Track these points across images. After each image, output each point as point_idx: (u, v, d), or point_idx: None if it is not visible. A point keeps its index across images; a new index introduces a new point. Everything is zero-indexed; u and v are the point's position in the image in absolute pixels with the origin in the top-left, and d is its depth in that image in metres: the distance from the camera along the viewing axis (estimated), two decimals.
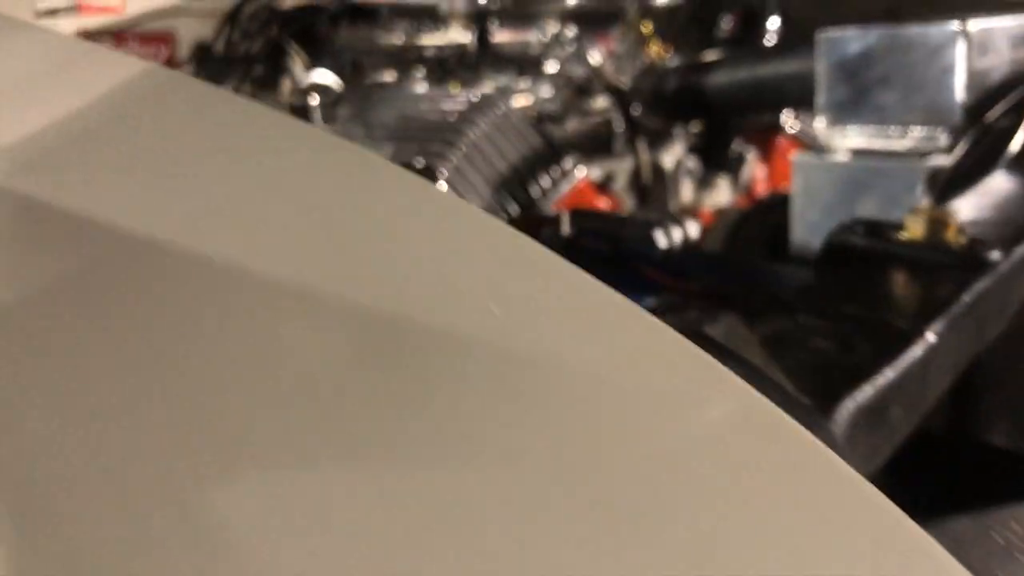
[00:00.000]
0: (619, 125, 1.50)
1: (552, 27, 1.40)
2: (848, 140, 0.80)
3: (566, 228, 1.10)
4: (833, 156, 0.80)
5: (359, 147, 0.56)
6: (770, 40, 1.47)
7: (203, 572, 0.27)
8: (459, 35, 1.45)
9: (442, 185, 1.22)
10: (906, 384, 0.58)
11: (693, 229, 0.97)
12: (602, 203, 1.40)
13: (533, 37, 1.40)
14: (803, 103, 0.98)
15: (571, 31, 1.45)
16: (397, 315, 0.37)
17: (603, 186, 1.43)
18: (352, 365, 0.35)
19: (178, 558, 0.27)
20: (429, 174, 1.23)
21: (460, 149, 1.26)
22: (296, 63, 2.03)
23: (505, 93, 1.50)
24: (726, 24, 1.51)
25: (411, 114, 1.37)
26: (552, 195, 1.31)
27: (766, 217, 1.38)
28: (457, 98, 1.38)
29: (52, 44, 0.71)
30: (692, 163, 1.49)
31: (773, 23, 1.47)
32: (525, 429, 0.32)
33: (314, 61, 1.98)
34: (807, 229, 0.83)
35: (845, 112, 0.79)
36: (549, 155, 1.32)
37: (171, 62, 1.85)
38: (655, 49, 1.64)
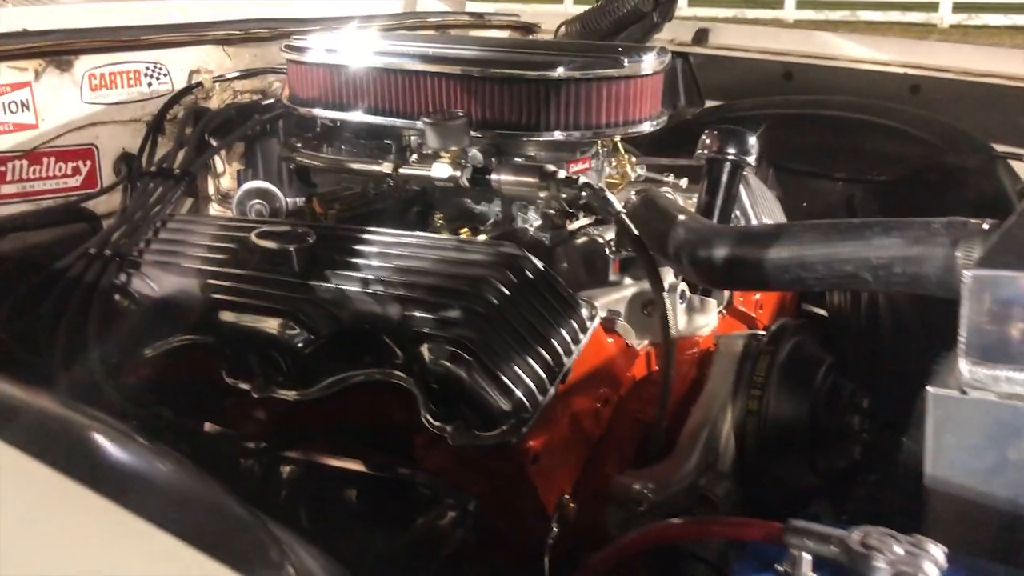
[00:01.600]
0: (609, 250, 1.45)
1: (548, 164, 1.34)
2: (999, 384, 0.77)
3: None
4: (979, 394, 0.77)
5: None
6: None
7: None
8: (443, 169, 1.35)
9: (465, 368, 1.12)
10: None
11: None
12: (612, 346, 1.34)
13: (533, 177, 1.33)
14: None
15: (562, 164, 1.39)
16: None
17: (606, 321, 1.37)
18: None
19: None
20: (455, 358, 1.13)
21: (485, 317, 1.17)
22: (223, 167, 1.87)
23: (515, 238, 1.42)
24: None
25: (416, 266, 1.26)
26: (576, 350, 1.24)
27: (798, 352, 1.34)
28: (469, 249, 1.28)
29: None
30: (681, 286, 1.45)
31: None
32: None
33: (246, 164, 1.82)
34: (948, 465, 0.79)
35: (994, 353, 0.76)
36: (570, 306, 1.25)
37: (92, 176, 1.65)
38: (624, 162, 1.60)
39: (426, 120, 1.36)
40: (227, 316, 1.36)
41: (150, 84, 1.71)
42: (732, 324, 1.59)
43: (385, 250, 1.33)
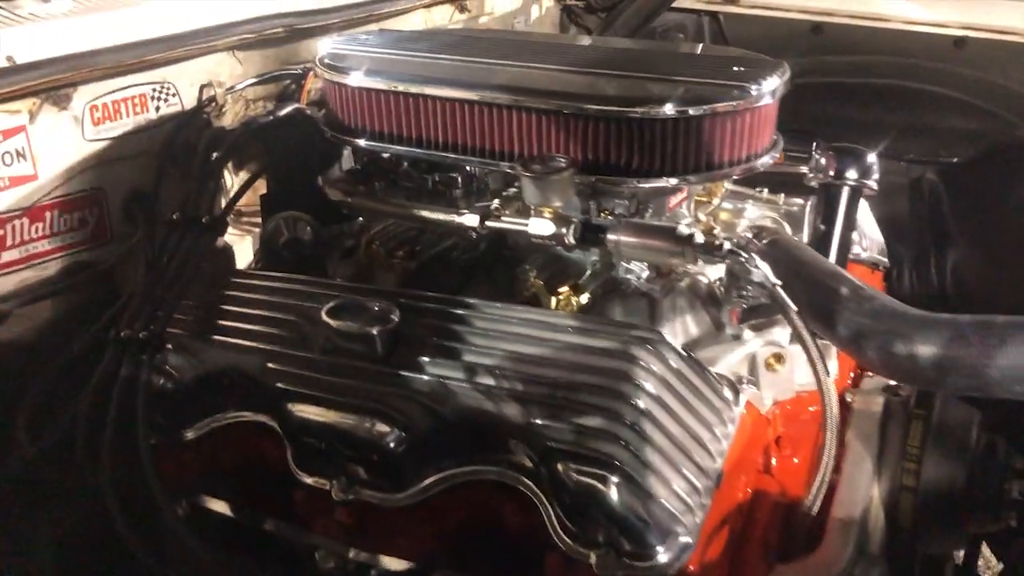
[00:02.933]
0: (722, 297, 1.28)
1: None
2: None
3: None
4: None
5: None
6: None
7: None
8: (545, 226, 1.13)
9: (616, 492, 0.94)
10: None
11: None
12: (747, 421, 1.17)
13: (663, 241, 1.12)
14: None
15: None
16: None
17: None
18: None
19: None
20: (602, 479, 0.95)
21: (631, 425, 0.99)
22: (231, 179, 1.62)
23: (619, 291, 1.23)
24: None
25: (533, 353, 1.06)
26: (726, 446, 1.07)
27: None
28: (595, 332, 1.08)
29: None
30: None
31: None
32: None
33: (269, 187, 1.58)
34: None
35: None
36: (715, 393, 1.07)
37: (102, 226, 1.40)
38: None
39: (524, 172, 1.14)
40: (298, 409, 1.16)
41: (158, 108, 1.45)
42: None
43: (487, 328, 1.13)
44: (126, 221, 1.43)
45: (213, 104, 1.52)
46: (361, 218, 1.49)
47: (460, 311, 1.16)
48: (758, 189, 1.50)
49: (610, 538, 0.99)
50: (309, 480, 1.17)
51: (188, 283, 1.28)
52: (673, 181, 1.20)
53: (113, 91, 1.37)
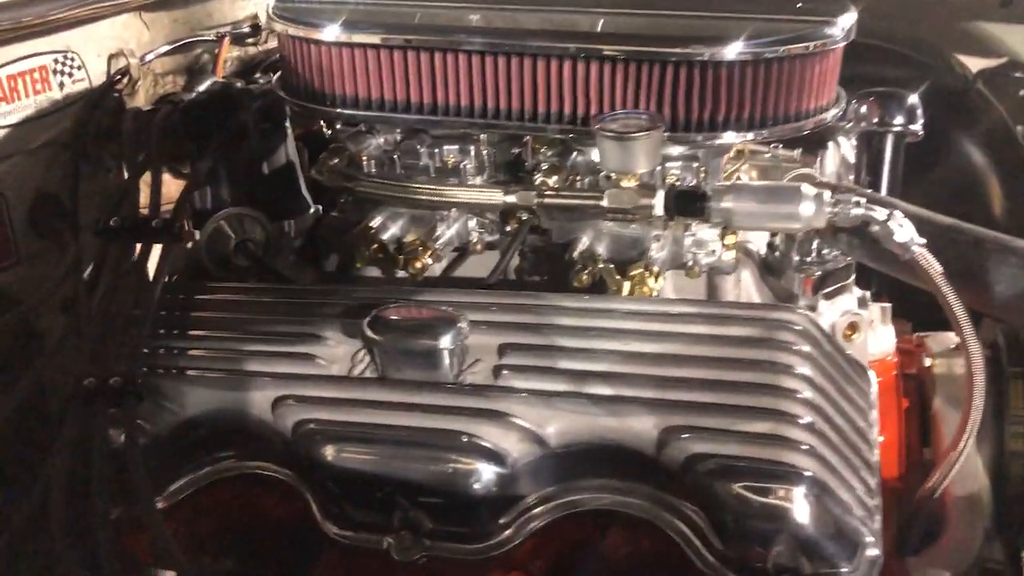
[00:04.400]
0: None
1: None
2: None
3: None
4: None
5: None
6: None
7: None
8: (628, 198, 0.93)
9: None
10: None
11: None
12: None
13: (789, 203, 0.95)
14: None
15: None
16: None
17: None
18: None
19: None
20: (781, 494, 0.77)
21: (806, 425, 0.81)
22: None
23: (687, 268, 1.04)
24: None
25: (653, 350, 0.86)
26: (875, 435, 0.92)
27: None
28: (725, 318, 0.89)
29: None
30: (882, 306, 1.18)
31: None
32: None
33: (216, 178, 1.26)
34: None
35: None
36: (860, 374, 0.92)
37: (4, 241, 1.04)
38: None
39: (605, 132, 0.94)
40: (336, 452, 0.90)
41: (62, 85, 1.11)
42: None
43: (583, 326, 0.92)
44: (32, 234, 1.09)
45: (128, 79, 1.19)
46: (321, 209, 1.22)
47: (539, 308, 0.94)
48: (773, 145, 1.37)
49: (788, 561, 0.82)
50: (342, 538, 0.92)
51: (152, 307, 0.98)
52: (745, 136, 1.03)
53: (8, 62, 1.03)
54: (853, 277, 1.16)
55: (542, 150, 1.13)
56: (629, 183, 0.97)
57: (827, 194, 0.93)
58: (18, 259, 1.06)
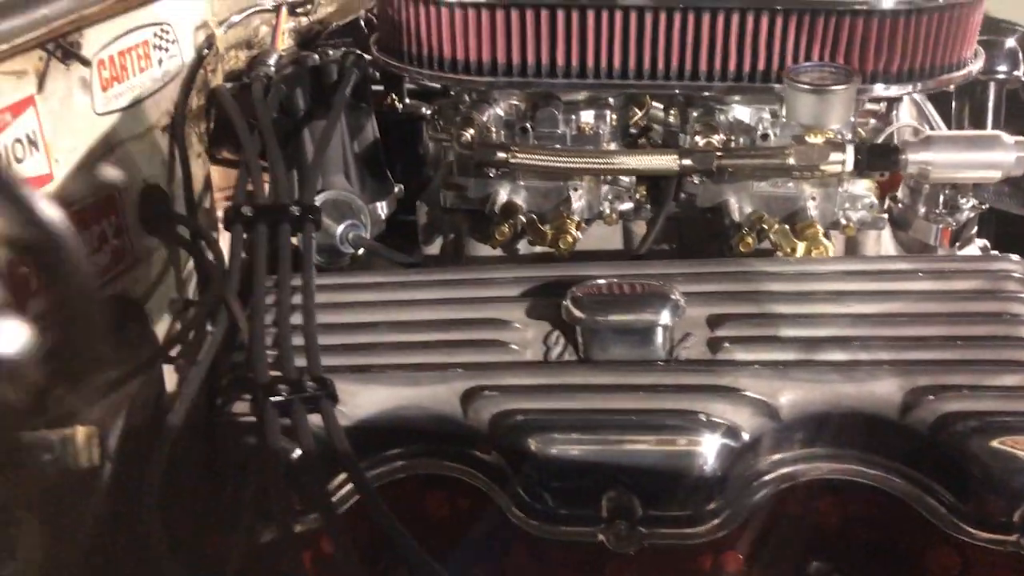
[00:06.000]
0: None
1: None
2: None
3: None
4: None
5: None
6: None
7: None
8: (829, 155, 0.88)
9: None
10: None
11: None
12: None
13: (991, 149, 0.91)
14: None
15: None
16: None
17: None
18: None
19: None
20: None
21: None
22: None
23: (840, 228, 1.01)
24: None
25: (871, 309, 0.82)
26: None
27: None
28: (944, 273, 0.86)
29: None
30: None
31: None
32: None
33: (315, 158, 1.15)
34: None
35: None
36: None
37: (122, 243, 0.92)
38: None
39: (801, 85, 0.89)
40: (551, 445, 0.84)
41: (160, 61, 0.99)
42: None
43: (796, 291, 0.88)
44: (141, 231, 0.97)
45: (215, 54, 1.08)
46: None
47: (744, 275, 0.90)
48: None
49: None
50: (546, 534, 0.86)
51: (309, 300, 0.89)
52: (903, 89, 1.01)
53: (118, 36, 0.90)
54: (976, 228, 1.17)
55: (671, 111, 1.08)
56: (815, 139, 0.93)
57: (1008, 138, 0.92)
58: (136, 259, 0.95)
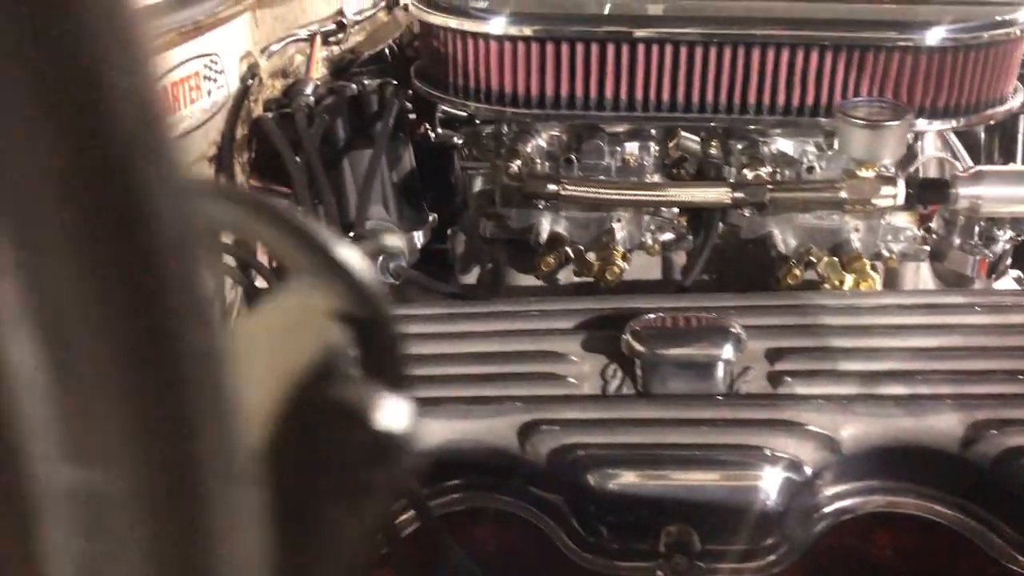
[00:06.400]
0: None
1: None
2: None
3: None
4: None
5: None
6: None
7: None
8: (880, 189, 0.88)
9: None
10: None
11: None
12: None
13: None
14: None
15: None
16: None
17: None
18: None
19: None
20: None
21: None
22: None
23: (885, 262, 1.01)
24: None
25: (929, 343, 0.82)
26: None
27: None
28: (999, 307, 0.85)
29: None
30: None
31: None
32: None
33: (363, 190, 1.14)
34: None
35: None
36: None
37: None
38: None
39: (854, 120, 0.90)
40: (611, 480, 0.84)
41: (209, 92, 0.99)
42: None
43: (851, 325, 0.88)
44: None
45: (258, 83, 1.08)
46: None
47: (800, 309, 0.90)
48: None
49: None
50: (602, 569, 0.86)
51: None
52: (947, 123, 1.02)
53: (171, 68, 0.90)
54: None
55: (713, 142, 1.09)
56: (867, 173, 0.94)
57: None
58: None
